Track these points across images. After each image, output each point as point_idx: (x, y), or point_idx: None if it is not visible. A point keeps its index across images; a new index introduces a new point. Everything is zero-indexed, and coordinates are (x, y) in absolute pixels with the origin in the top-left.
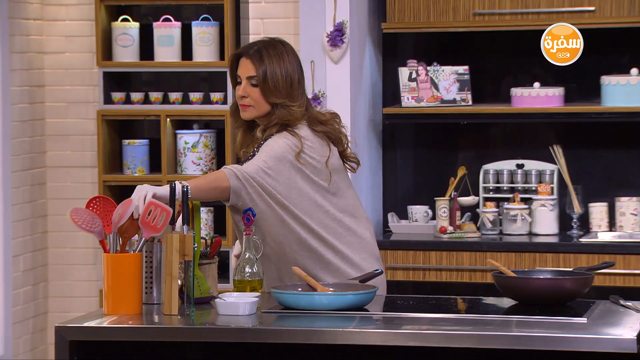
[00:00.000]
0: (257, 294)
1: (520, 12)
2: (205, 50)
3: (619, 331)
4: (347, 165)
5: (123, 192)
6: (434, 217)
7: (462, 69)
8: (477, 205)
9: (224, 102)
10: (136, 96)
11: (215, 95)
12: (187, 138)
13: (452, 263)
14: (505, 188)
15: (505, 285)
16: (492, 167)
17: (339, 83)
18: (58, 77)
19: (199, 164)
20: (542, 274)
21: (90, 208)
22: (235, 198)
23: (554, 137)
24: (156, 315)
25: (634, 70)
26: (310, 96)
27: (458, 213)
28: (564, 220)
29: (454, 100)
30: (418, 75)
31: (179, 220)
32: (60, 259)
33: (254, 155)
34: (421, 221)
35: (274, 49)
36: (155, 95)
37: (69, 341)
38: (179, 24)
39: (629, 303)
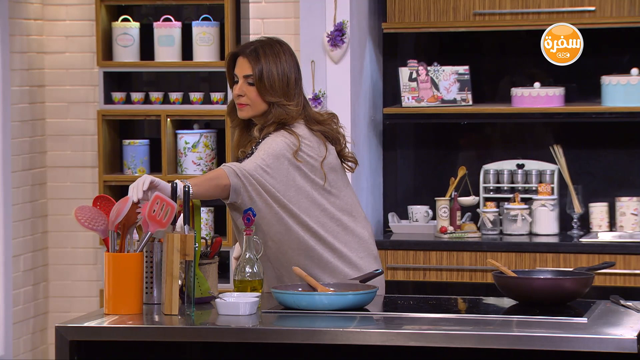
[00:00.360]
0: (258, 294)
1: (520, 12)
2: (205, 50)
3: (620, 331)
4: (345, 165)
5: (123, 192)
6: (434, 217)
7: (463, 69)
8: (477, 205)
9: (224, 102)
10: (136, 96)
11: (216, 95)
12: (188, 138)
13: (453, 263)
14: (505, 188)
15: (506, 285)
16: (492, 167)
17: (339, 83)
18: (58, 77)
19: (199, 164)
20: (543, 274)
21: (97, 207)
22: (235, 196)
23: (554, 137)
24: (156, 315)
25: (634, 70)
26: (310, 96)
27: (458, 213)
28: (565, 220)
29: (454, 100)
30: (418, 75)
31: (180, 220)
32: (60, 259)
33: (252, 154)
34: (421, 221)
35: (271, 48)
36: (155, 95)
37: (69, 341)
38: (179, 24)
39: (629, 303)
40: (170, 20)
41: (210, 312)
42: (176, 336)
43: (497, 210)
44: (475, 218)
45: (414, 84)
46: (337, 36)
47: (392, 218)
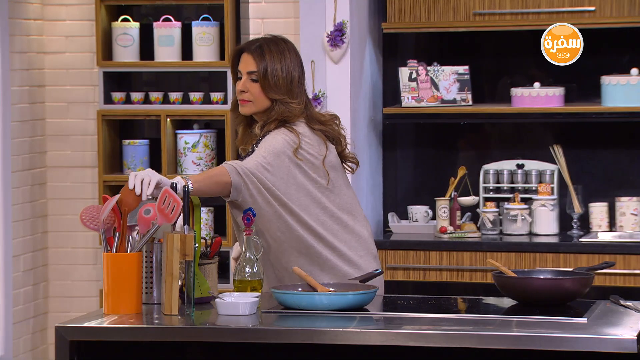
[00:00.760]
0: (257, 294)
1: (520, 12)
2: (205, 50)
3: (619, 331)
4: (345, 166)
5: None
6: (434, 217)
7: (462, 69)
8: (477, 205)
9: (224, 102)
10: (136, 96)
11: (216, 95)
12: (187, 138)
13: (453, 263)
14: (505, 188)
15: (506, 285)
16: (492, 167)
17: (339, 83)
18: (58, 77)
19: (199, 164)
20: (543, 274)
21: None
22: (236, 194)
23: (554, 137)
24: (156, 315)
25: (634, 70)
26: (310, 96)
27: (458, 213)
28: (564, 220)
29: (454, 100)
30: (418, 75)
31: (180, 220)
32: (60, 259)
33: (252, 151)
34: (421, 221)
35: (276, 46)
36: (155, 95)
37: (69, 341)
38: (179, 24)
39: (629, 303)
40: (170, 20)
41: (210, 312)
42: (176, 336)
43: (497, 210)
44: (475, 218)
45: (413, 84)
46: (337, 36)
47: (392, 218)
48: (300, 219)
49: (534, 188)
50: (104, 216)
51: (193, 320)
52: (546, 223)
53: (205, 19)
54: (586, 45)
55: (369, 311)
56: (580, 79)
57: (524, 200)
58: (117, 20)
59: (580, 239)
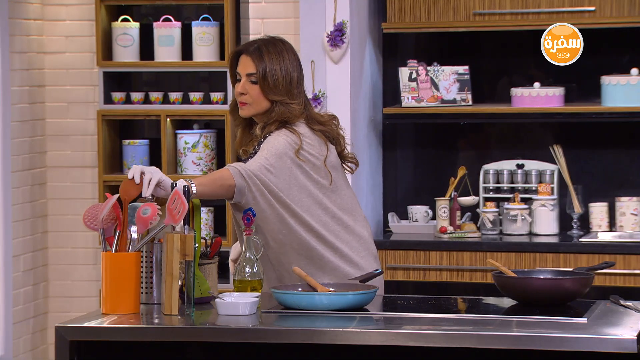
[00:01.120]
0: (257, 294)
1: (520, 12)
2: (205, 50)
3: (619, 331)
4: (345, 166)
5: None
6: (434, 217)
7: (462, 69)
8: (477, 205)
9: (224, 102)
10: (136, 96)
11: (216, 95)
12: (187, 138)
13: (452, 263)
14: (505, 188)
15: (506, 285)
16: (492, 167)
17: (339, 83)
18: (58, 77)
19: (199, 164)
20: (543, 274)
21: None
22: (239, 196)
23: (554, 137)
24: (156, 315)
25: (634, 70)
26: (310, 96)
27: (458, 213)
28: (564, 220)
29: (454, 100)
30: (418, 75)
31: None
32: (60, 259)
33: (255, 153)
34: (421, 221)
35: (274, 47)
36: (155, 95)
37: (69, 341)
38: (179, 24)
39: (629, 303)
40: (170, 20)
41: (210, 312)
42: (176, 336)
43: (497, 210)
44: (475, 218)
45: (413, 84)
46: (337, 36)
47: (392, 218)
48: (302, 220)
49: (534, 188)
50: (103, 215)
51: (193, 320)
52: (546, 223)
53: (205, 19)
54: (586, 45)
55: (369, 311)
56: (580, 79)
57: (524, 200)
58: (117, 20)
59: (580, 239)
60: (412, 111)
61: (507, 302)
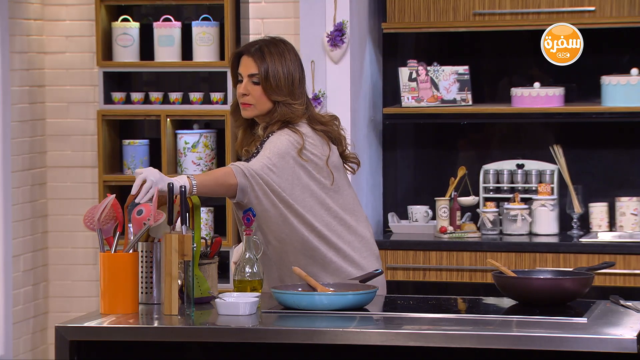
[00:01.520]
0: (257, 294)
1: (520, 12)
2: (205, 50)
3: (619, 331)
4: (347, 166)
5: (123, 192)
6: (434, 217)
7: (462, 69)
8: (477, 205)
9: (224, 102)
10: (136, 96)
11: (216, 95)
12: (187, 138)
13: (453, 263)
14: (505, 188)
15: (506, 285)
16: (492, 167)
17: (339, 83)
18: (58, 77)
19: (199, 164)
20: (543, 274)
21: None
22: (241, 195)
23: (554, 137)
24: (156, 315)
25: (634, 70)
26: (310, 96)
27: (458, 213)
28: (564, 220)
29: (454, 100)
30: (418, 75)
31: (179, 220)
32: (60, 259)
33: (257, 152)
34: (421, 221)
35: (276, 48)
36: (155, 95)
37: (69, 341)
38: (179, 24)
39: (629, 303)
40: (170, 20)
41: (210, 312)
42: (176, 336)
43: (497, 210)
44: (475, 218)
45: (413, 84)
46: (337, 36)
47: (392, 218)
48: (305, 220)
49: (534, 188)
50: (98, 215)
51: (193, 320)
52: (546, 223)
53: (205, 19)
54: (586, 45)
55: (369, 311)
56: (580, 79)
57: (524, 200)
58: (117, 20)
59: (580, 239)
60: (412, 111)
61: (507, 302)
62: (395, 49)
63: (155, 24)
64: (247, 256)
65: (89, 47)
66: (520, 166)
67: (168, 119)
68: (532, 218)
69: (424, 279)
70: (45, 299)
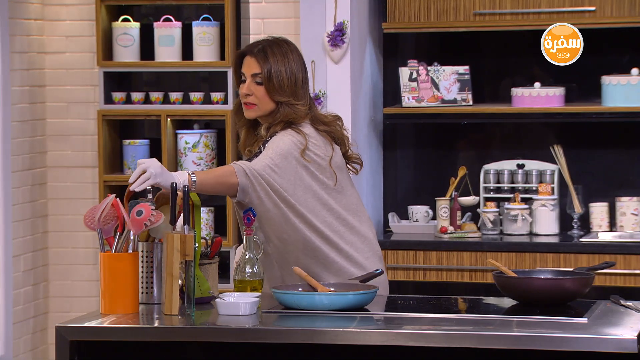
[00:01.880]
0: (258, 294)
1: (521, 12)
2: (205, 50)
3: (620, 331)
4: (349, 167)
5: (123, 192)
6: (434, 217)
7: (463, 69)
8: (477, 205)
9: (225, 102)
10: (137, 96)
11: (216, 95)
12: (188, 138)
13: (453, 263)
14: (505, 188)
15: (506, 285)
16: (492, 167)
17: (339, 83)
18: (58, 77)
19: (199, 164)
20: (543, 274)
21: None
22: (242, 195)
23: (554, 137)
24: (156, 315)
25: (634, 70)
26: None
27: (459, 213)
28: (565, 220)
29: (455, 100)
30: (418, 75)
31: (180, 220)
32: (60, 259)
33: (260, 152)
34: (422, 221)
35: (279, 48)
36: (155, 95)
37: (69, 341)
38: (179, 24)
39: (629, 303)
40: (171, 20)
41: (210, 312)
42: (176, 336)
43: (498, 210)
44: (475, 218)
45: (414, 84)
46: (337, 36)
47: (392, 218)
48: (307, 220)
49: (534, 188)
50: (98, 215)
51: (193, 320)
52: (546, 223)
53: (205, 19)
54: (586, 45)
55: (369, 311)
56: (581, 79)
57: (524, 200)
58: (117, 20)
59: (580, 239)
60: (412, 111)
61: (507, 302)
62: (395, 49)
63: (155, 24)
64: (247, 256)
65: (89, 47)
66: (520, 166)
67: (168, 119)
68: (533, 218)
69: (425, 279)
70: (46, 299)
